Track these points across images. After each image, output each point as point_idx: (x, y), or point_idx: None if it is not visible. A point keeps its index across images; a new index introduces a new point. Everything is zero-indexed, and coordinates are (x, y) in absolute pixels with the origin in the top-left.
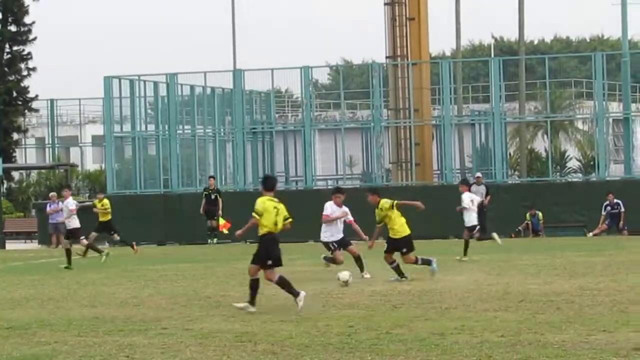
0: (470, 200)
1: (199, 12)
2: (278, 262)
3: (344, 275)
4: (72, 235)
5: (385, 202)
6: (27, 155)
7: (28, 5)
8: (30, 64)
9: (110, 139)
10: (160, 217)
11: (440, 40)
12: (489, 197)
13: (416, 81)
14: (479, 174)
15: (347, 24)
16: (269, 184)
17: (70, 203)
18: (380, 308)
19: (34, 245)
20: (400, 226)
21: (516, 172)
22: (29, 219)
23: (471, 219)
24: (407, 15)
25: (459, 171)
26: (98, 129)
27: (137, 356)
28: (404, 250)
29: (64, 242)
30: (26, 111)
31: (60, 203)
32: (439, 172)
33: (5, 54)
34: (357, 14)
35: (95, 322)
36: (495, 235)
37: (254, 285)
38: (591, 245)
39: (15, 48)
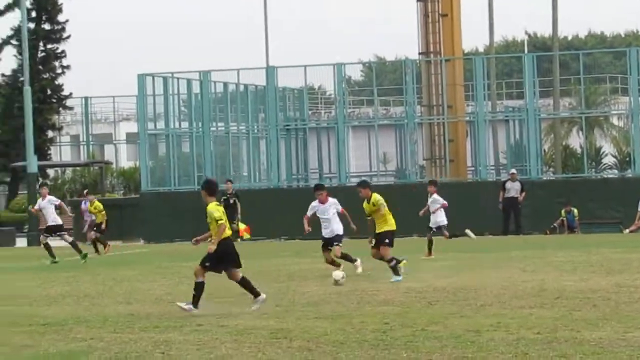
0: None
1: (230, 10)
2: (216, 269)
3: (337, 274)
4: (58, 230)
5: (379, 198)
6: (62, 152)
7: (62, 4)
8: (64, 62)
9: (144, 137)
10: (194, 214)
11: (473, 36)
12: (523, 194)
13: (449, 77)
14: (513, 171)
15: (380, 21)
16: (212, 189)
17: (53, 199)
18: (415, 305)
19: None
20: (391, 219)
21: (551, 169)
22: (65, 216)
23: (443, 218)
24: (440, 12)
25: (493, 168)
26: (132, 127)
27: (172, 353)
28: (387, 241)
29: (42, 237)
30: (60, 109)
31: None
32: (473, 168)
33: (39, 52)
34: (390, 10)
35: (131, 319)
36: (468, 231)
37: (244, 283)
38: (627, 242)
39: (49, 46)
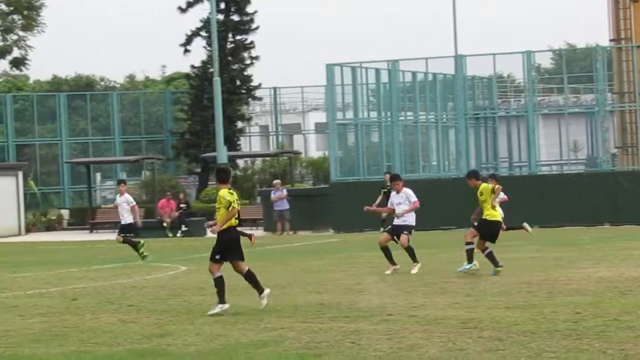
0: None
1: (419, 1)
2: (240, 255)
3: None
4: (127, 230)
5: (486, 188)
6: (251, 143)
7: None
8: (253, 53)
9: (333, 126)
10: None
11: None
12: None
13: None
14: None
15: (571, 7)
16: (225, 177)
17: (130, 199)
18: (607, 294)
19: (259, 232)
20: (491, 211)
21: None
22: (255, 206)
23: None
24: None
25: None
26: (321, 117)
27: (362, 342)
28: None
29: (118, 237)
30: (250, 99)
31: (284, 190)
32: None
33: (228, 43)
34: None
35: (321, 309)
36: (526, 224)
37: (249, 277)
38: None
39: (238, 37)
